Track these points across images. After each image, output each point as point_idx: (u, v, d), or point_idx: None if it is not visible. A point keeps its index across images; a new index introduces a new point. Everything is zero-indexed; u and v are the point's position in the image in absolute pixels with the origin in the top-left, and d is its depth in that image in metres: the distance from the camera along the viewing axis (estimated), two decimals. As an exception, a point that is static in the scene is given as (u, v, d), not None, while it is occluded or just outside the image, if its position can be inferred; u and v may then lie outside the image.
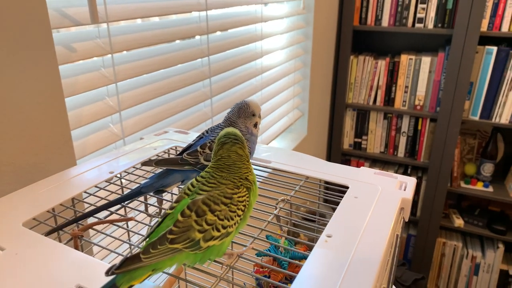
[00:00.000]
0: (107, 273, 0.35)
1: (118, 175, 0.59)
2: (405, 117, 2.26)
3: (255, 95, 1.52)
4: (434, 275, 2.49)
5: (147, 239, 0.40)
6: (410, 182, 0.59)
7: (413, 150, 2.31)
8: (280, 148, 0.74)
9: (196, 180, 0.44)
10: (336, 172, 0.61)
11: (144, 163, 0.53)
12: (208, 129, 0.60)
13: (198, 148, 0.56)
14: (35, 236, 0.42)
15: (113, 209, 0.49)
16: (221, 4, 1.18)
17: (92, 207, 0.49)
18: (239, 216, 0.43)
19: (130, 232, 0.58)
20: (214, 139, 0.58)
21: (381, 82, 2.26)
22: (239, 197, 0.43)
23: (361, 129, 2.40)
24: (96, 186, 0.54)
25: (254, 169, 0.65)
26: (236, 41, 1.31)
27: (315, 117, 2.12)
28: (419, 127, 2.24)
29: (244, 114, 0.61)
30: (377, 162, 2.47)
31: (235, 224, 0.43)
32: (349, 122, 2.42)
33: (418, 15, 2.07)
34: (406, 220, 0.55)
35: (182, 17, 1.12)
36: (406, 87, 2.21)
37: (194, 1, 1.09)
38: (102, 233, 0.46)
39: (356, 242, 0.43)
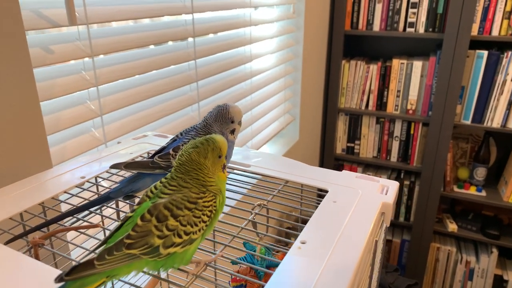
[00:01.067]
0: (56, 280, 0.33)
1: (91, 181, 0.57)
2: (398, 121, 2.26)
3: (244, 100, 1.51)
4: (428, 280, 2.47)
5: (104, 244, 0.38)
6: (392, 186, 0.58)
7: (406, 155, 2.30)
8: (261, 152, 0.73)
9: (160, 182, 0.42)
10: (317, 176, 0.60)
11: (114, 166, 0.51)
12: (183, 131, 0.58)
13: (170, 151, 0.55)
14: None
15: (81, 215, 0.47)
16: (208, 7, 1.16)
17: (58, 214, 0.47)
18: (204, 222, 0.41)
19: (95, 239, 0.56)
20: (188, 141, 0.56)
21: (373, 87, 2.25)
22: (204, 201, 0.41)
23: (353, 134, 2.39)
24: (66, 192, 0.52)
25: (231, 172, 0.63)
26: (225, 44, 1.30)
27: (307, 121, 2.11)
28: (412, 132, 2.24)
29: (222, 119, 0.59)
30: (370, 166, 2.45)
31: (199, 230, 0.40)
32: (341, 126, 2.41)
33: (409, 20, 2.07)
34: (387, 224, 0.54)
35: (169, 20, 1.11)
36: (398, 91, 2.20)
37: (180, 4, 1.08)
38: (62, 240, 0.44)
39: (331, 248, 0.42)
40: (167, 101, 1.11)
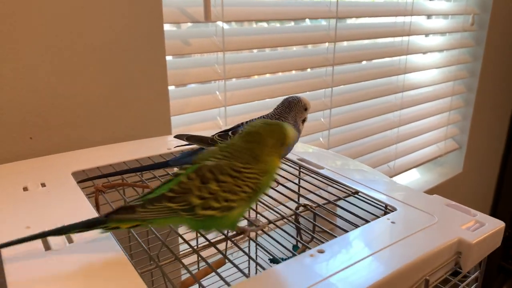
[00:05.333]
0: (102, 216, 0.38)
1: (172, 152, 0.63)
2: None
3: (391, 114, 1.39)
4: None
5: (151, 194, 0.41)
6: (490, 224, 0.44)
7: None
8: (340, 156, 0.66)
9: (218, 146, 0.44)
10: (395, 193, 0.51)
11: (177, 136, 0.55)
12: (249, 120, 0.59)
13: (230, 133, 0.56)
14: (72, 183, 0.49)
15: (144, 177, 0.53)
16: (354, 13, 1.13)
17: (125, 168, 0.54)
18: (245, 193, 0.40)
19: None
20: None
21: None
22: (249, 173, 0.41)
23: (545, 178, 1.91)
24: (149, 157, 0.60)
25: (304, 172, 0.59)
26: (373, 53, 1.23)
27: (476, 153, 1.79)
28: None
29: (296, 108, 0.60)
30: None
31: (240, 200, 0.40)
32: (528, 167, 1.95)
33: None
34: (463, 270, 0.41)
35: (310, 23, 1.12)
36: None
37: (324, 8, 1.08)
38: (119, 193, 0.50)
39: (344, 265, 0.35)
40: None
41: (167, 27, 0.86)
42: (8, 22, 0.59)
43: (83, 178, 0.50)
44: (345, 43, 1.24)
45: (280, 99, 1.06)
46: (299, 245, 0.52)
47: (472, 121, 1.68)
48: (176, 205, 0.38)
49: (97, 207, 0.49)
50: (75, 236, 0.39)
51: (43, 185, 0.48)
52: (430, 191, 1.58)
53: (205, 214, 0.39)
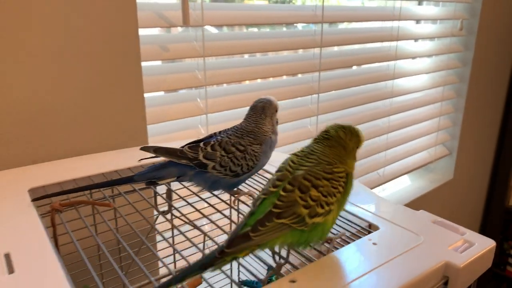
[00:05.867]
0: (217, 252, 0.36)
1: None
2: None
3: (380, 120, 1.37)
4: None
5: (251, 216, 0.39)
6: (481, 244, 0.40)
7: None
8: None
9: (297, 156, 0.44)
10: (379, 210, 0.47)
11: (143, 148, 0.51)
12: (222, 130, 0.55)
13: (201, 144, 0.53)
14: (26, 201, 0.45)
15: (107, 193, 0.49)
16: (340, 17, 1.10)
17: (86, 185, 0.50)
18: (340, 193, 0.42)
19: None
20: (221, 139, 0.53)
21: None
22: (339, 173, 0.42)
23: (536, 184, 1.89)
24: (116, 171, 0.55)
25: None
26: (360, 58, 1.20)
27: (467, 159, 1.77)
28: None
29: (269, 112, 0.56)
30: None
31: (336, 201, 0.41)
32: (519, 172, 1.93)
33: None
34: (452, 296, 0.38)
35: (295, 29, 1.09)
36: None
37: (310, 12, 1.05)
38: (77, 211, 0.45)
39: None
40: (283, 110, 1.08)
41: (146, 31, 0.82)
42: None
43: (39, 196, 0.46)
44: (335, 48, 1.21)
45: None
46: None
47: (462, 126, 1.66)
48: (287, 219, 0.39)
49: (53, 227, 0.44)
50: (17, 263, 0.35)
51: (-6, 203, 0.44)
52: (421, 198, 1.56)
53: (314, 222, 0.39)
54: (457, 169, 1.72)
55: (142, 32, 0.76)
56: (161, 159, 0.55)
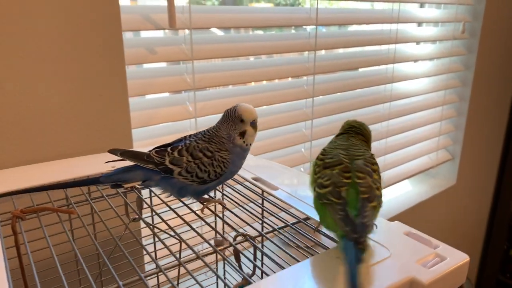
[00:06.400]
0: (359, 244, 0.37)
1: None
2: None
3: (379, 125, 1.34)
4: None
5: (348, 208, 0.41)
6: (452, 258, 0.38)
7: None
8: (299, 173, 0.61)
9: (339, 147, 0.48)
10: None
11: (111, 151, 0.50)
12: (193, 133, 0.54)
13: (168, 149, 0.51)
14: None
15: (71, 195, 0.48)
16: (334, 20, 1.08)
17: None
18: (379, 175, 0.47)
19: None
20: (189, 144, 0.52)
21: None
22: (375, 158, 0.48)
23: (542, 191, 1.84)
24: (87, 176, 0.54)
25: (256, 194, 0.54)
26: (357, 61, 1.18)
27: (471, 164, 1.73)
28: None
29: (229, 118, 0.52)
30: None
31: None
32: (525, 178, 1.89)
33: None
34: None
35: (287, 31, 1.08)
36: None
37: (304, 15, 1.03)
38: (39, 219, 0.45)
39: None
40: (277, 114, 1.07)
41: (131, 34, 0.82)
42: None
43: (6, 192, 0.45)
44: (333, 51, 1.20)
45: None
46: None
47: (466, 131, 1.62)
48: (374, 202, 0.42)
49: (14, 235, 0.44)
50: None
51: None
52: (423, 204, 1.53)
53: (380, 202, 0.44)
54: (460, 174, 1.69)
55: (129, 35, 0.75)
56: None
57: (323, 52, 1.12)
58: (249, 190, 0.57)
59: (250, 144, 0.54)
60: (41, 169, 0.58)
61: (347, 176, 0.44)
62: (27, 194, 0.48)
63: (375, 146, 1.35)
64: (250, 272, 0.47)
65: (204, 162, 0.50)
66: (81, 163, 0.60)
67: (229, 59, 0.96)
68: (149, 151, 0.51)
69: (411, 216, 1.47)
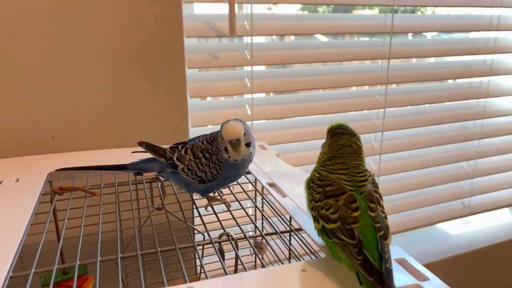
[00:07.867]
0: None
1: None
2: None
3: (470, 143, 1.20)
4: None
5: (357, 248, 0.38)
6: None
7: None
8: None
9: (343, 173, 0.42)
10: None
11: (140, 143, 0.57)
12: (204, 135, 0.56)
13: (179, 147, 0.55)
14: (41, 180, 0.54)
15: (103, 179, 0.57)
16: (411, 28, 1.01)
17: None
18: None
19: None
20: (195, 144, 0.55)
21: None
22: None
23: None
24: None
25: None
26: (438, 73, 1.08)
27: None
28: None
29: (219, 134, 0.53)
30: None
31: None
32: None
33: None
34: None
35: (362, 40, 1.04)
36: None
37: (379, 22, 0.99)
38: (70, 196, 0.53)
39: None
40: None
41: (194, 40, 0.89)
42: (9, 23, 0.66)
43: (58, 169, 0.56)
44: (414, 60, 1.12)
45: (317, 117, 1.01)
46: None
47: None
48: (389, 237, 0.39)
49: (52, 205, 0.53)
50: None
51: (17, 180, 0.54)
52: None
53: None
54: None
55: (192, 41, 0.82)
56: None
57: (399, 61, 1.05)
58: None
59: (237, 160, 0.52)
60: (102, 155, 0.67)
61: (353, 207, 0.39)
62: (85, 172, 0.59)
63: (462, 167, 1.22)
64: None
65: (203, 162, 0.53)
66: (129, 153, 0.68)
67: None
68: (165, 148, 0.56)
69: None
